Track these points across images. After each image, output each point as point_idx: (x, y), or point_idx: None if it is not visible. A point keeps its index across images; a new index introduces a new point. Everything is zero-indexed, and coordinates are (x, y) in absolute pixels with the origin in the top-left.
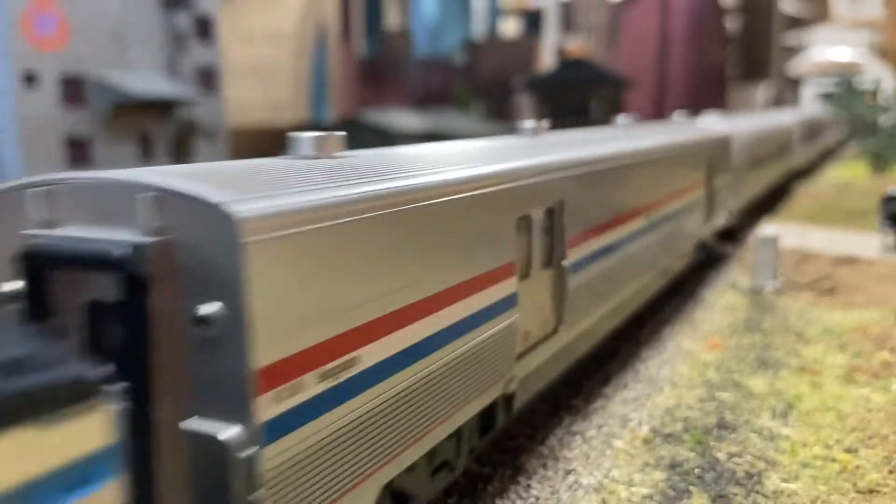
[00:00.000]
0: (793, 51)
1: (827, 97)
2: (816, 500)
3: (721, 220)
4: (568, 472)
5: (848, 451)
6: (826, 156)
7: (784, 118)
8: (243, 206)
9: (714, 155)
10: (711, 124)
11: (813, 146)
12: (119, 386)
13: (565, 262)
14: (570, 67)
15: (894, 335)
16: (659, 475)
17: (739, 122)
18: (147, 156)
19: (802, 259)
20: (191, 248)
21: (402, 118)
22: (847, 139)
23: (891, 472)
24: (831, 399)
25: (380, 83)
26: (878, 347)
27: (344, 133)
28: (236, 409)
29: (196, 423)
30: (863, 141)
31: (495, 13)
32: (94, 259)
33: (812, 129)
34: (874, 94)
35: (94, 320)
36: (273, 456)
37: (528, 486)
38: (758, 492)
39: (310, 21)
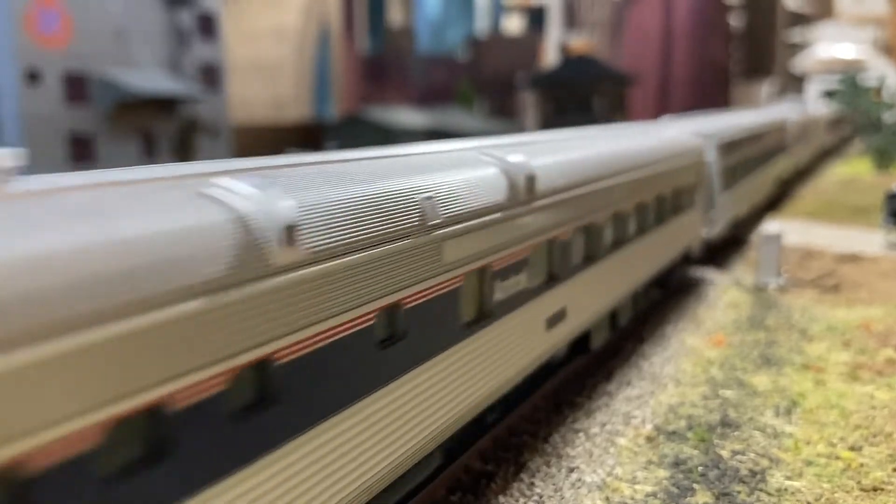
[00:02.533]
0: (797, 47)
1: (831, 94)
2: (820, 498)
3: None
4: (571, 470)
5: (852, 448)
6: (785, 189)
7: (675, 141)
8: None
9: None
10: None
11: (762, 179)
12: None
13: None
14: (574, 64)
15: None
16: (662, 473)
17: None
18: (150, 153)
19: (806, 256)
20: None
21: (406, 115)
22: (841, 142)
23: (895, 469)
24: (835, 396)
25: (383, 80)
26: (882, 345)
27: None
28: None
29: None
30: (867, 138)
31: (498, 10)
32: None
33: (762, 149)
34: (879, 90)
35: None
36: None
37: (532, 483)
38: (761, 489)
39: (313, 18)
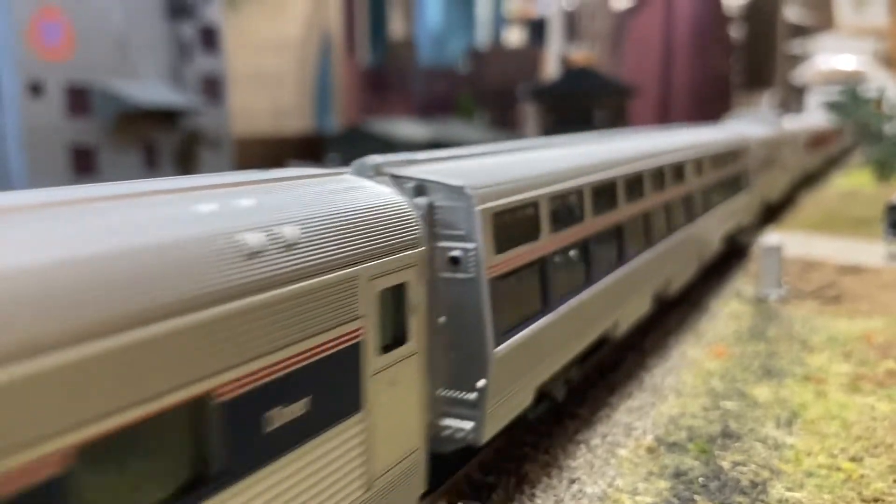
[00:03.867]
0: (797, 59)
1: (831, 105)
2: None
3: None
4: (572, 482)
5: (853, 459)
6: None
7: None
8: None
9: None
10: None
11: (691, 246)
12: None
13: None
14: (575, 76)
15: None
16: (663, 484)
17: None
18: (152, 165)
19: (807, 267)
20: None
21: (407, 127)
22: (829, 163)
23: None
24: (836, 408)
25: (384, 92)
26: (882, 356)
27: None
28: None
29: None
30: (868, 149)
31: (499, 22)
32: None
33: (690, 191)
34: (879, 102)
35: None
36: None
37: (533, 495)
38: (762, 501)
39: (314, 30)
